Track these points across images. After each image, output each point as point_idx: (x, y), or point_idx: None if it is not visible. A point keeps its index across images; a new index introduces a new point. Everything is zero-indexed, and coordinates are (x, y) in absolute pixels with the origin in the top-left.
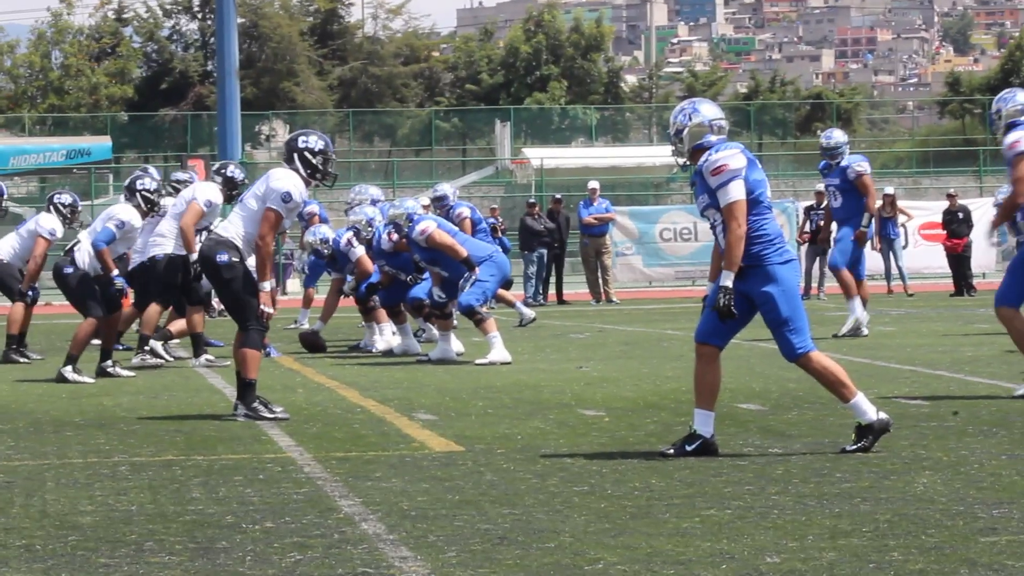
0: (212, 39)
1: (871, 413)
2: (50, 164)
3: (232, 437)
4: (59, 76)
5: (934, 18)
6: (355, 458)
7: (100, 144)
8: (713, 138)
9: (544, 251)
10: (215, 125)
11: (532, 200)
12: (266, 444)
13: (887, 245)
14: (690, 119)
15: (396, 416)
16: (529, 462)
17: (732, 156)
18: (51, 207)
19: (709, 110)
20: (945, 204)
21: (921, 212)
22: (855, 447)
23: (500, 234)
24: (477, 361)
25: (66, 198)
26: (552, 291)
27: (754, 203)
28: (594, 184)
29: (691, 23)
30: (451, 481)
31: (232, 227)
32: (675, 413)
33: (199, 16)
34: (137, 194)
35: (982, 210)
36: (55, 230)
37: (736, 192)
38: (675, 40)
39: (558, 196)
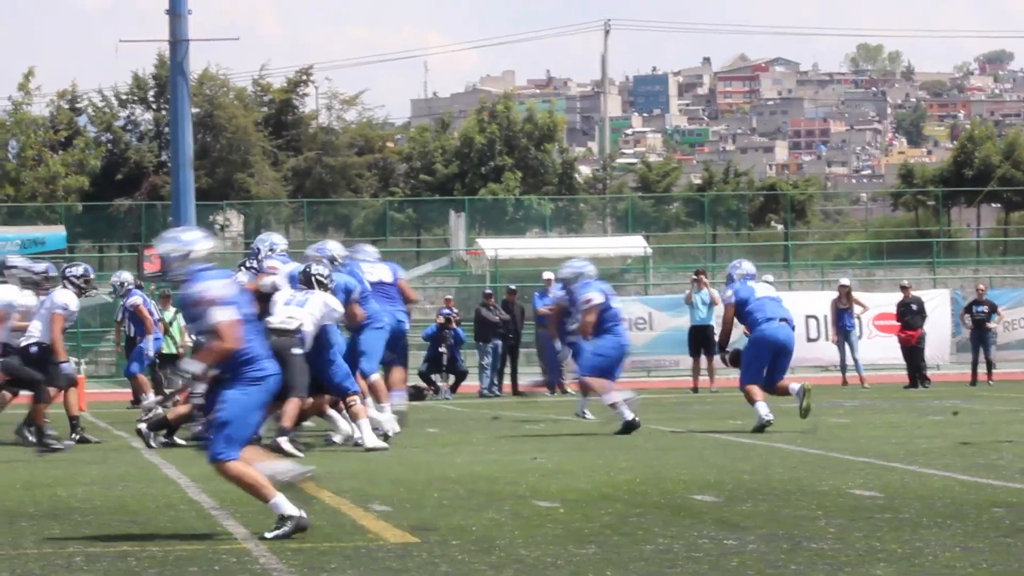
0: (167, 129)
1: (289, 509)
2: (4, 253)
3: (187, 528)
4: (15, 166)
5: (887, 110)
6: (310, 549)
7: (54, 234)
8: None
9: (499, 342)
10: (169, 215)
11: (488, 291)
12: (221, 535)
13: (843, 336)
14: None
15: (351, 507)
16: (484, 554)
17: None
18: (65, 282)
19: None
20: (899, 296)
21: (875, 303)
22: (273, 533)
23: (455, 325)
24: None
25: (77, 270)
26: (507, 382)
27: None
28: (549, 275)
29: (645, 114)
30: (406, 573)
31: None
32: (630, 504)
33: (154, 106)
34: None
35: (936, 301)
36: (67, 304)
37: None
38: (629, 131)
39: (513, 287)
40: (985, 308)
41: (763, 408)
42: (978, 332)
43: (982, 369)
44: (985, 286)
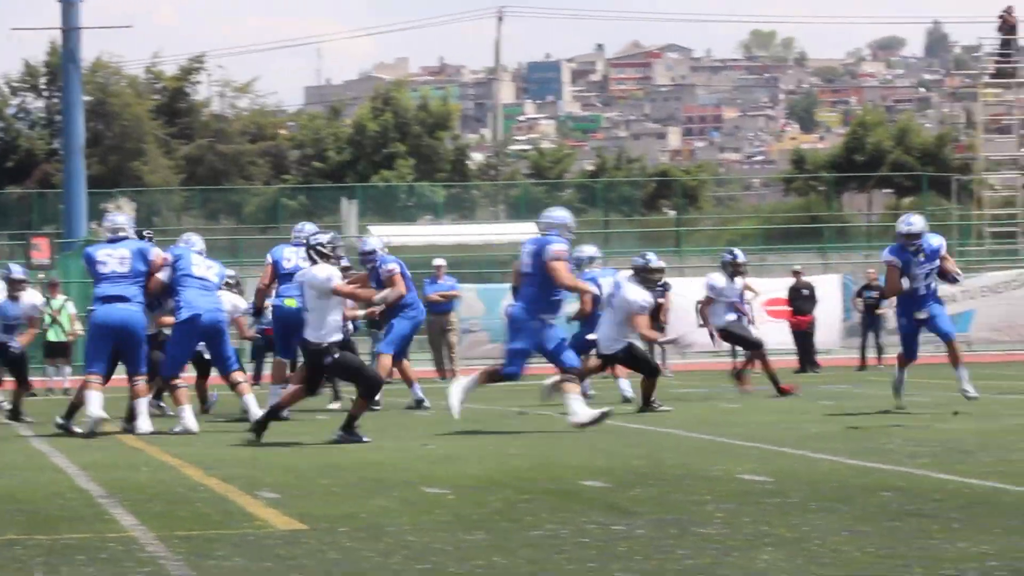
0: (59, 117)
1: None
2: None
3: (75, 516)
4: None
5: (780, 96)
6: (198, 537)
7: None
8: None
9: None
10: (61, 203)
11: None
12: (109, 523)
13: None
14: None
15: (240, 494)
16: (373, 540)
17: None
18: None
19: None
20: (790, 281)
21: (766, 289)
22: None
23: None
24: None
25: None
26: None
27: None
28: (439, 261)
29: (538, 101)
30: (294, 560)
31: None
32: (519, 491)
33: (45, 94)
34: None
35: (826, 287)
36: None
37: None
38: (522, 118)
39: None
40: (876, 293)
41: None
42: (869, 317)
43: (872, 354)
44: (876, 271)
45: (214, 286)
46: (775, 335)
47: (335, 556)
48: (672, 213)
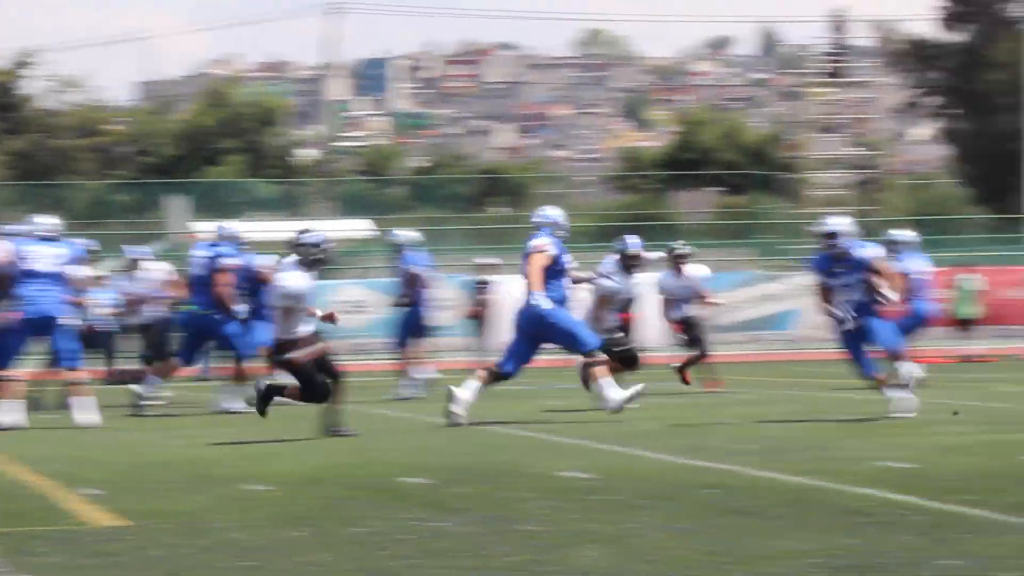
0: None
1: None
2: None
3: None
4: None
5: (612, 94)
6: (18, 533)
7: None
8: None
9: None
10: None
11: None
12: None
13: None
14: None
15: (61, 490)
16: (196, 537)
17: None
18: None
19: None
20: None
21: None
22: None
23: (180, 307)
24: None
25: None
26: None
27: None
28: (268, 260)
29: (370, 97)
30: (116, 556)
31: None
32: (343, 487)
33: None
34: None
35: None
36: None
37: None
38: (354, 114)
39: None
40: None
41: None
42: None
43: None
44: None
45: (56, 279)
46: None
47: (158, 553)
48: (502, 211)
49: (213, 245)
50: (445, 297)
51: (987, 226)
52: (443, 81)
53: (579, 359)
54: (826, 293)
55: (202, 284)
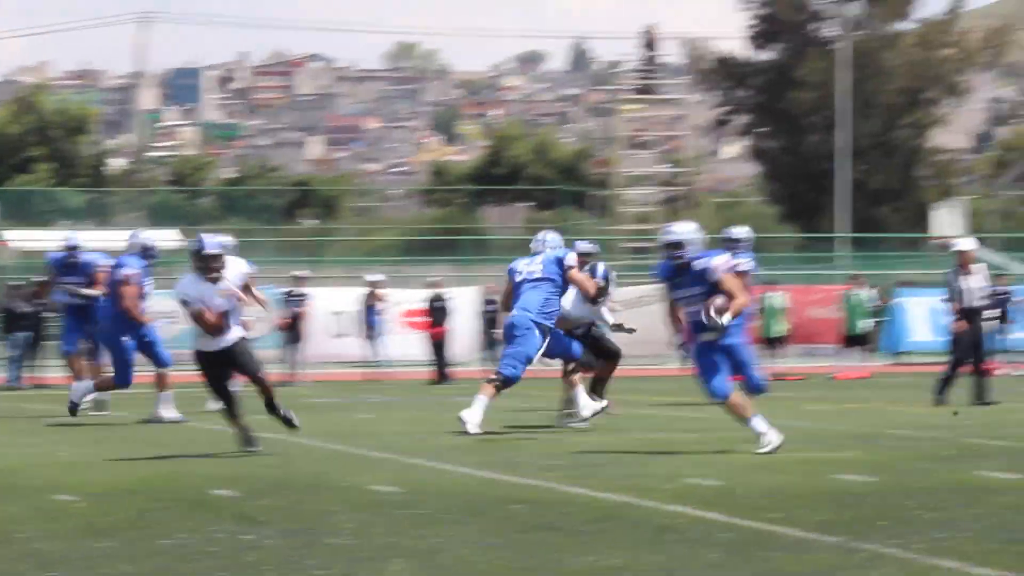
0: None
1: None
2: None
3: None
4: None
5: (422, 108)
6: None
7: None
8: None
9: (27, 334)
10: None
11: (15, 283)
12: None
13: (373, 332)
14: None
15: None
16: (4, 546)
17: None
18: None
19: None
20: (428, 292)
21: (404, 300)
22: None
23: None
24: None
25: None
26: (29, 374)
27: None
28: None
29: (180, 107)
30: None
31: None
32: (149, 499)
33: None
34: None
35: (463, 299)
36: None
37: None
38: (164, 124)
39: (43, 279)
40: (495, 307)
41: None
42: (490, 331)
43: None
44: (495, 285)
45: None
46: (411, 346)
47: None
48: (312, 223)
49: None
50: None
51: (795, 244)
52: (254, 92)
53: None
54: (672, 305)
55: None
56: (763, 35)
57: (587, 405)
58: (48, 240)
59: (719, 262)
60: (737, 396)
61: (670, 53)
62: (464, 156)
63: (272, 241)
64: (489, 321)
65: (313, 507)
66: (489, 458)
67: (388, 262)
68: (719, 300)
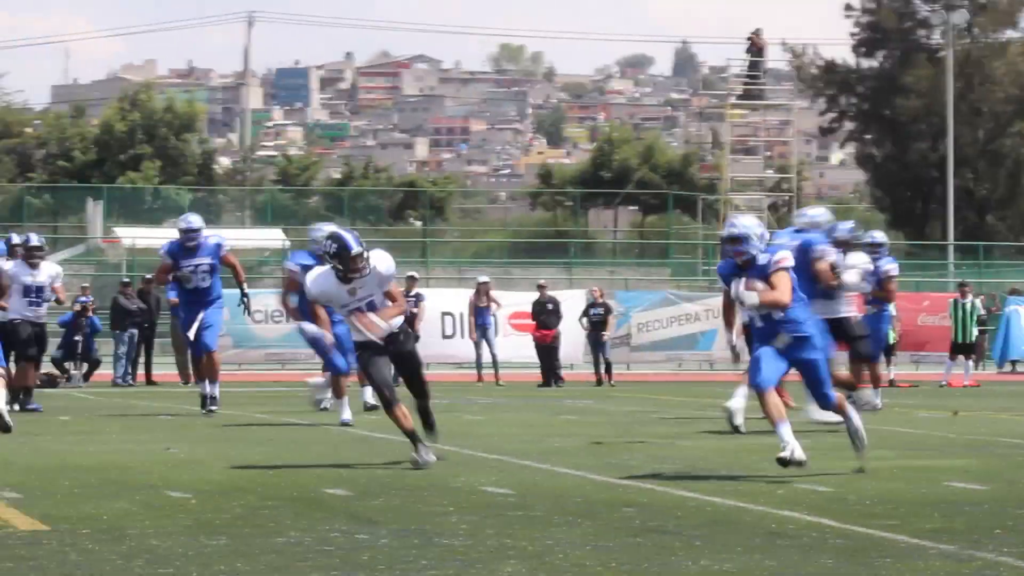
0: None
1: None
2: None
3: None
4: None
5: (528, 110)
6: None
7: None
8: None
9: (135, 331)
10: None
11: (125, 280)
12: None
13: (481, 334)
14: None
15: None
16: (115, 543)
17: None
18: None
19: None
20: (535, 295)
21: (511, 302)
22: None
23: (91, 313)
24: None
25: None
26: (141, 371)
27: None
28: None
29: (286, 107)
30: (35, 560)
31: None
32: (261, 496)
33: None
34: None
35: (571, 301)
36: None
37: None
38: (270, 124)
39: (149, 276)
40: (602, 310)
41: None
42: (595, 334)
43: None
44: (600, 289)
45: None
46: (520, 349)
47: (76, 558)
48: (418, 224)
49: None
50: None
51: (901, 251)
52: (359, 93)
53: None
54: (728, 305)
55: None
56: (868, 43)
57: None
58: (155, 237)
59: (781, 256)
60: (774, 396)
61: (775, 59)
62: (570, 159)
63: (379, 242)
64: (594, 324)
65: (425, 507)
66: (601, 461)
67: (494, 264)
68: (760, 284)
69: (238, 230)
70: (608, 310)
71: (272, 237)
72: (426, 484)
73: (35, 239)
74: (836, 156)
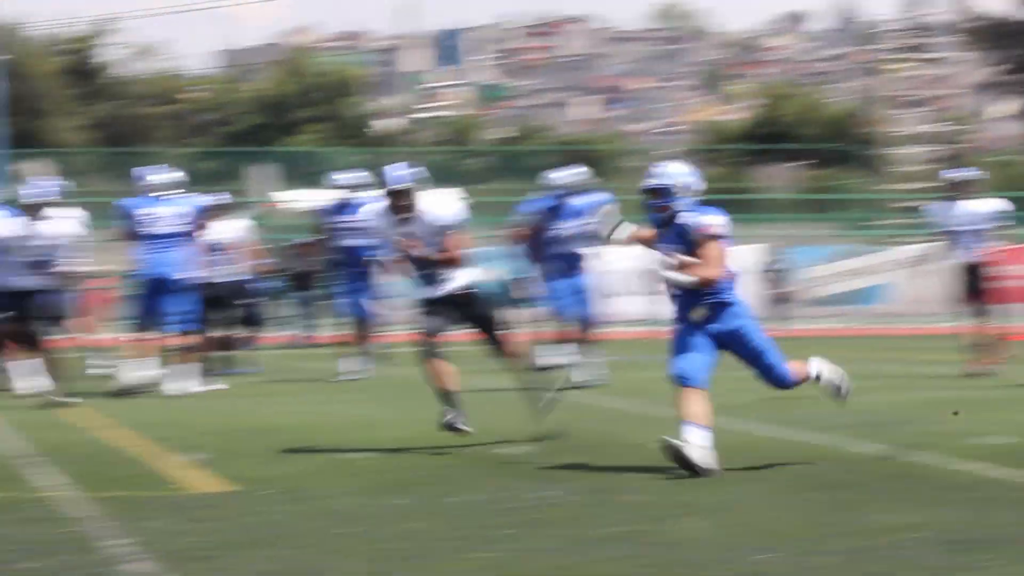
0: None
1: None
2: None
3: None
4: None
5: (689, 67)
6: (124, 498)
7: None
8: None
9: (307, 292)
10: None
11: (294, 242)
12: (30, 483)
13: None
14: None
15: (167, 455)
16: (299, 503)
17: None
18: None
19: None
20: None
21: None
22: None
23: (266, 274)
24: None
25: None
26: (320, 333)
27: None
28: None
29: (448, 68)
30: (222, 521)
31: None
32: (444, 455)
33: None
34: None
35: (745, 258)
36: None
37: None
38: (432, 84)
39: (315, 238)
40: (779, 266)
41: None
42: (775, 289)
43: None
44: (775, 244)
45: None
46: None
47: (261, 518)
48: None
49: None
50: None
51: None
52: (520, 53)
53: None
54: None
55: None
56: None
57: None
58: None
59: (711, 220)
60: (700, 395)
61: (938, 11)
62: (733, 116)
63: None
64: (773, 280)
65: (605, 465)
66: (774, 416)
67: None
68: (679, 255)
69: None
70: (785, 265)
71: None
72: (604, 441)
73: (212, 199)
74: (1000, 110)
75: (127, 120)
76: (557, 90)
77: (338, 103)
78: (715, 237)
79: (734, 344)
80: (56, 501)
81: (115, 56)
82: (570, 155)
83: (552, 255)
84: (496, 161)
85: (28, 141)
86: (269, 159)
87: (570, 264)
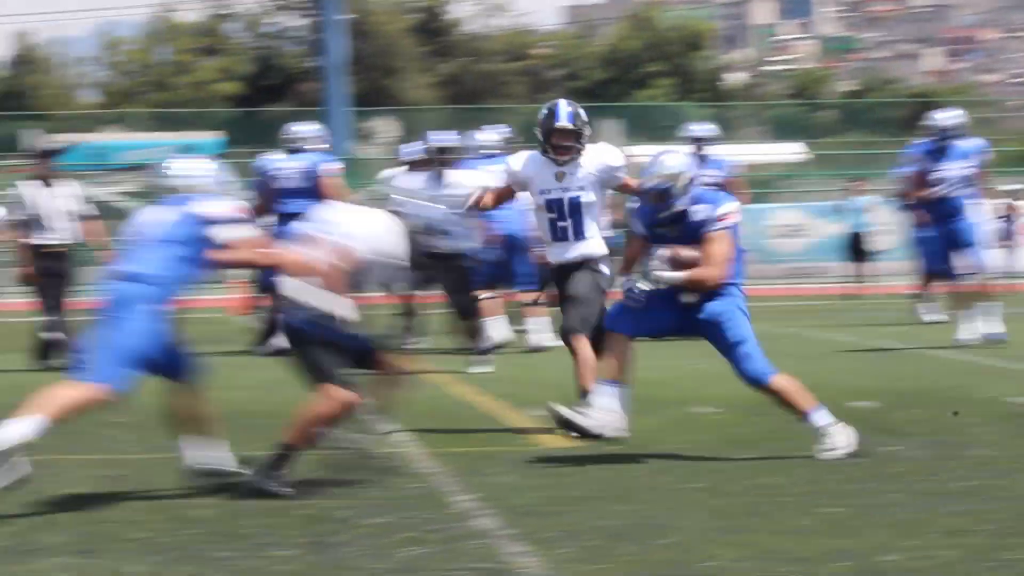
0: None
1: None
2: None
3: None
4: (168, 72)
5: None
6: (469, 454)
7: (212, 140)
8: None
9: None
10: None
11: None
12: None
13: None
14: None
15: (510, 412)
16: (643, 459)
17: None
18: None
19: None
20: None
21: None
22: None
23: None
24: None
25: None
26: None
27: None
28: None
29: (794, 21)
30: (565, 477)
31: None
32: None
33: (309, 13)
34: None
35: None
36: None
37: None
38: (780, 37)
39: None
40: None
41: None
42: None
43: None
44: None
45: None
46: None
47: (605, 475)
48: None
49: None
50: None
51: None
52: (868, 4)
53: None
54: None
55: None
56: None
57: None
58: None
59: (726, 209)
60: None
61: None
62: None
63: (891, 154)
64: None
65: (953, 419)
66: None
67: (1013, 173)
68: (684, 254)
69: (757, 144)
70: None
71: (787, 151)
72: (954, 395)
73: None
74: None
75: (476, 77)
76: (905, 41)
77: (687, 57)
78: (728, 228)
79: (709, 332)
80: (404, 457)
81: (465, 13)
82: (921, 107)
83: (934, 201)
84: (846, 114)
85: (377, 99)
86: (617, 114)
87: (953, 210)
